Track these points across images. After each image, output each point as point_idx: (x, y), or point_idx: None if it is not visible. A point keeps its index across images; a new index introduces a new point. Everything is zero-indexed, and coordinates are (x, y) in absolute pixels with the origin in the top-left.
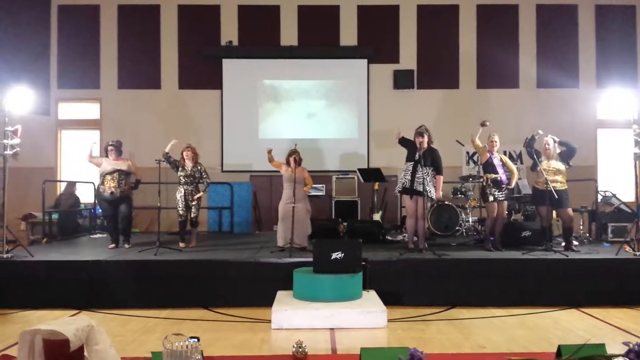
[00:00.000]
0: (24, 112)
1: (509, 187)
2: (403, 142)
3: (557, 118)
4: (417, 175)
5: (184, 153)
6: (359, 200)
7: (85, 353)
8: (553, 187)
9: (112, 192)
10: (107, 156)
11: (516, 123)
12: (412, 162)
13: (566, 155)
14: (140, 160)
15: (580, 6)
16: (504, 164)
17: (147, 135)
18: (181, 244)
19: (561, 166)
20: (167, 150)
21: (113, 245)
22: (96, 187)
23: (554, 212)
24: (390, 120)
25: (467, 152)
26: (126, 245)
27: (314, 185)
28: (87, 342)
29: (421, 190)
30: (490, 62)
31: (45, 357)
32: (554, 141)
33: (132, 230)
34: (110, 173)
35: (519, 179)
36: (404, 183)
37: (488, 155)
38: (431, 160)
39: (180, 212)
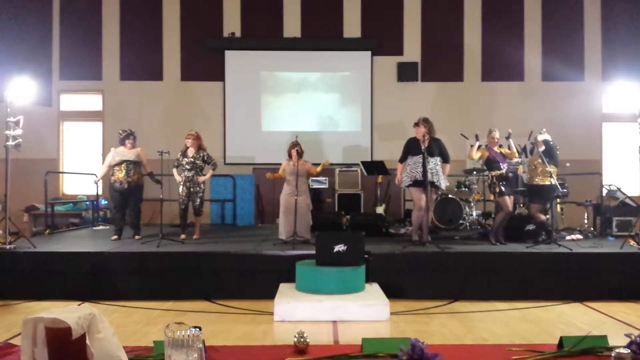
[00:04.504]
0: (25, 103)
1: (512, 168)
2: (404, 153)
3: (562, 111)
4: (428, 167)
5: (187, 140)
6: (362, 193)
7: (87, 341)
8: (535, 182)
9: (121, 183)
10: (123, 145)
11: (521, 116)
12: (420, 155)
13: (546, 154)
14: None
15: None
16: (504, 156)
17: (150, 126)
18: (182, 236)
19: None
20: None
21: (116, 237)
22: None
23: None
24: (394, 113)
25: (472, 146)
26: (136, 237)
27: (316, 178)
28: (89, 331)
29: (434, 181)
30: (495, 54)
31: (48, 345)
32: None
33: None
34: (118, 164)
35: (523, 172)
36: (414, 175)
37: (487, 153)
38: (438, 150)
39: (181, 199)
